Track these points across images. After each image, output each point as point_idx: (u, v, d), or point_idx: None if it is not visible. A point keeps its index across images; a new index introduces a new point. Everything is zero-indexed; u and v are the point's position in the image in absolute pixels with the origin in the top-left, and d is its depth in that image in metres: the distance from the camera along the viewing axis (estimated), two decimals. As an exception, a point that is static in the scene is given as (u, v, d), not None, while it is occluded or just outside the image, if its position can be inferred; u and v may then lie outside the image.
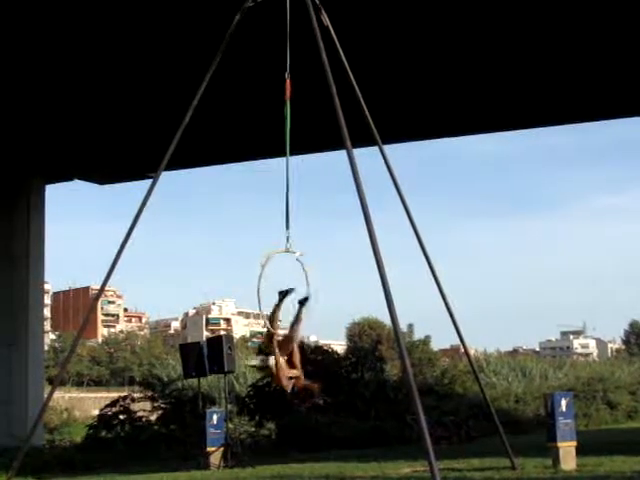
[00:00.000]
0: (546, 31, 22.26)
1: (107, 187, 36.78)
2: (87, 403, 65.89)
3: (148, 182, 11.48)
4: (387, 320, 10.74)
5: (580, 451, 15.21)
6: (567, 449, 14.76)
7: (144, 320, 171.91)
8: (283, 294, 10.03)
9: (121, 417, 29.38)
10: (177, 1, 20.53)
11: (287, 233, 10.15)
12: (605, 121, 32.59)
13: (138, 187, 32.37)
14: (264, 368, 10.59)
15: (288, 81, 10.39)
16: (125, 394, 31.93)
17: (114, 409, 29.63)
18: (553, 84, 25.88)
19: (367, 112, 11.90)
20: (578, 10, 21.18)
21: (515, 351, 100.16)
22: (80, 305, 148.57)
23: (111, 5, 20.74)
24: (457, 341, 15.20)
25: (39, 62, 23.98)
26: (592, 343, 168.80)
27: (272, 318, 10.09)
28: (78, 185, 35.47)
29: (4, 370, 30.98)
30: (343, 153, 9.02)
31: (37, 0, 20.49)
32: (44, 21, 21.51)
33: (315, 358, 32.81)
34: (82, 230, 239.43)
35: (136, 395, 31.67)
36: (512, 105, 27.65)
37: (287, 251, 10.09)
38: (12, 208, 32.51)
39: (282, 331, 10.23)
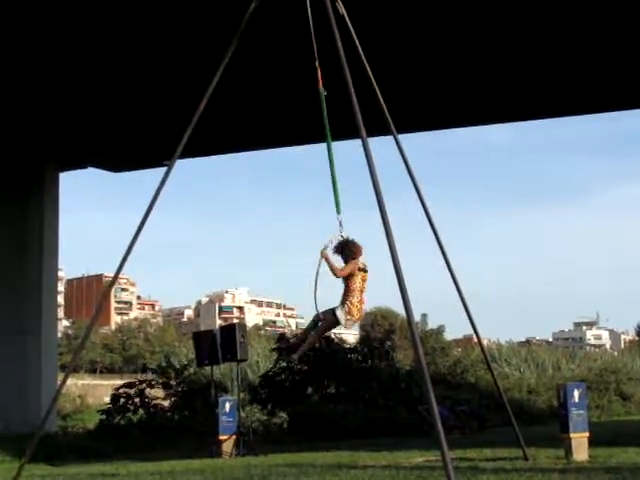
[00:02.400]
0: (562, 19, 22.18)
1: (121, 174, 36.86)
2: (100, 390, 66.02)
3: (163, 169, 11.47)
4: (400, 310, 10.78)
5: (592, 442, 15.16)
6: (579, 440, 14.72)
7: (157, 308, 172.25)
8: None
9: (135, 400, 29.37)
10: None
11: (339, 217, 10.14)
12: (629, 111, 32.47)
13: (153, 175, 32.44)
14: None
15: (319, 68, 10.39)
16: (142, 379, 31.87)
17: (129, 391, 29.58)
18: (569, 74, 25.80)
19: (382, 101, 11.86)
20: (596, 3, 21.13)
21: (528, 342, 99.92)
22: (93, 292, 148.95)
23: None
24: (470, 331, 15.18)
25: (54, 50, 24.00)
26: (605, 334, 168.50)
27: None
28: (92, 173, 35.56)
29: (18, 357, 31.10)
30: (358, 142, 8.99)
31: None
32: (59, 10, 21.52)
33: (327, 348, 32.82)
34: (96, 218, 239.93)
35: (151, 380, 31.62)
36: (527, 95, 27.56)
37: (341, 237, 10.18)
38: (26, 196, 32.58)
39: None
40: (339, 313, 10.31)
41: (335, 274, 10.22)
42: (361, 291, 10.33)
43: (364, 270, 10.36)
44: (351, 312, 10.32)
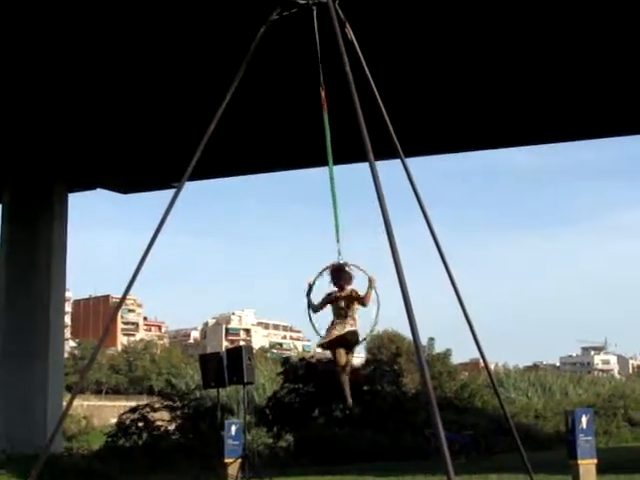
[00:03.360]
0: (575, 45, 22.25)
1: (130, 196, 36.94)
2: (105, 411, 65.98)
3: (171, 192, 11.49)
4: (407, 333, 10.70)
5: (600, 469, 15.11)
6: (587, 467, 14.67)
7: (164, 329, 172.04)
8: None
9: (139, 424, 29.41)
10: (204, 14, 20.62)
11: (338, 246, 10.01)
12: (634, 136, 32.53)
13: (161, 195, 32.51)
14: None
15: (323, 92, 10.39)
16: (145, 402, 31.92)
17: (133, 416, 29.66)
18: (581, 98, 25.86)
19: (390, 125, 11.89)
20: (609, 28, 21.19)
21: (535, 366, 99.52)
22: (100, 313, 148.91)
23: (139, 19, 20.86)
24: (477, 355, 15.12)
25: (65, 72, 24.12)
26: (613, 359, 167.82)
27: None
28: (100, 194, 35.66)
29: (24, 377, 31.08)
30: (365, 165, 9.00)
31: (69, 10, 20.62)
32: (74, 32, 21.65)
33: (332, 369, 32.77)
34: (103, 239, 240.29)
35: (155, 403, 31.66)
36: (535, 118, 27.61)
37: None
38: (35, 217, 32.66)
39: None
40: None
41: (367, 304, 10.11)
42: (336, 315, 10.22)
43: (348, 297, 10.25)
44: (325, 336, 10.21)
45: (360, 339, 10.33)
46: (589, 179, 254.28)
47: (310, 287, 10.06)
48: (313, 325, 10.20)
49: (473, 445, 29.11)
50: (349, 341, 10.20)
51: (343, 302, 10.03)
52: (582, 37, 21.94)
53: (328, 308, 10.14)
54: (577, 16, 21.06)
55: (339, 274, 9.99)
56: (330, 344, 10.15)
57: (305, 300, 10.12)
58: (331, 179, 10.32)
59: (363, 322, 10.22)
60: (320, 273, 10.05)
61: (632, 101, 26.32)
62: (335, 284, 10.04)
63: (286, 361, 35.82)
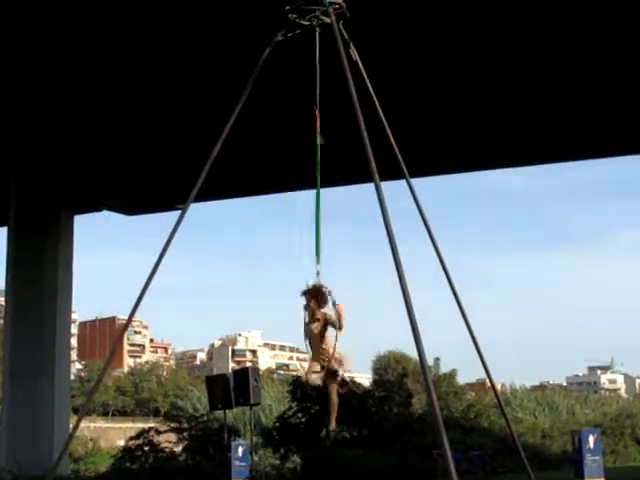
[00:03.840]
0: (576, 65, 22.32)
1: (136, 217, 37.01)
2: (112, 433, 65.93)
3: (176, 213, 11.52)
4: (413, 353, 10.66)
5: (608, 488, 15.07)
6: (594, 486, 14.63)
7: (170, 351, 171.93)
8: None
9: (145, 449, 29.40)
10: (208, 36, 20.73)
11: (317, 267, 10.01)
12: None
13: (166, 217, 32.61)
14: None
15: (317, 112, 10.42)
16: (150, 426, 31.92)
17: (138, 442, 29.65)
18: (581, 119, 25.91)
19: (395, 146, 11.92)
20: (607, 48, 21.26)
21: (542, 386, 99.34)
22: (106, 335, 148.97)
23: (144, 40, 20.97)
24: (483, 375, 15.05)
25: (71, 94, 24.23)
26: (620, 378, 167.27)
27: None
28: (106, 216, 35.74)
29: (31, 399, 31.06)
30: (370, 186, 9.02)
31: (68, 34, 20.74)
32: (81, 57, 21.78)
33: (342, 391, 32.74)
34: (109, 261, 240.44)
35: (161, 428, 31.65)
36: (538, 139, 27.66)
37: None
38: (41, 239, 32.71)
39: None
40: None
41: (341, 329, 10.01)
42: (314, 346, 10.13)
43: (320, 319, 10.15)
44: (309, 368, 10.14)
45: (340, 367, 10.16)
46: (591, 197, 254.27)
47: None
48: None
49: (480, 465, 29.00)
50: (334, 373, 10.15)
51: (316, 329, 9.87)
52: (581, 58, 22.01)
53: None
54: (574, 39, 21.15)
55: (315, 294, 9.87)
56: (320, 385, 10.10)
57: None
58: (317, 199, 10.39)
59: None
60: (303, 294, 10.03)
61: (626, 122, 26.36)
62: (307, 306, 9.92)
63: (295, 380, 35.59)
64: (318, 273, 9.89)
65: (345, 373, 10.34)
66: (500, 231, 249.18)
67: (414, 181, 12.47)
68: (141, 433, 30.32)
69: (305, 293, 9.91)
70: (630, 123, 26.36)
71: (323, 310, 9.94)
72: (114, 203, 34.93)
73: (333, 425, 10.99)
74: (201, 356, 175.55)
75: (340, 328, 9.88)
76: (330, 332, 9.92)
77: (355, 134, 9.19)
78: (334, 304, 9.87)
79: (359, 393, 34.18)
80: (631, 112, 25.57)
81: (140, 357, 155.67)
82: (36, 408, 31.10)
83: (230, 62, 21.05)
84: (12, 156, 29.77)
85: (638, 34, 21.01)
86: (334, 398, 10.53)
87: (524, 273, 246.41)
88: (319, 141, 10.33)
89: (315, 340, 9.90)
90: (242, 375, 22.29)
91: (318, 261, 9.92)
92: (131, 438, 30.41)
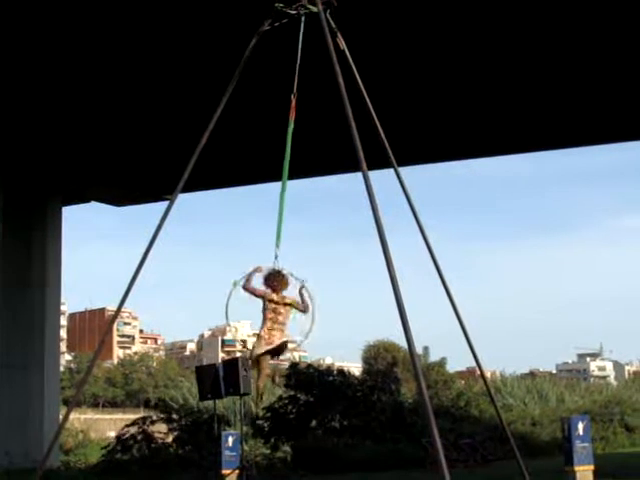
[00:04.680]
0: (564, 53, 22.31)
1: (126, 208, 36.93)
2: (102, 424, 65.75)
3: (165, 204, 11.50)
4: (402, 342, 10.69)
5: (597, 475, 15.11)
6: (584, 473, 14.67)
7: (159, 342, 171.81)
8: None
9: (138, 438, 29.34)
10: (193, 27, 20.65)
11: (276, 251, 10.23)
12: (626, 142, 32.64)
13: (156, 207, 32.55)
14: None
15: (294, 101, 10.49)
16: (144, 415, 31.84)
17: (132, 430, 29.59)
18: (571, 105, 25.92)
19: (383, 135, 11.91)
20: (599, 35, 21.24)
21: (532, 373, 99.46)
22: (96, 326, 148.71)
23: (132, 33, 20.91)
24: (473, 363, 15.09)
25: (57, 86, 24.14)
26: (609, 365, 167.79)
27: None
28: (95, 207, 35.65)
29: (21, 391, 31.01)
30: (358, 175, 9.03)
31: (61, 29, 20.65)
32: (66, 47, 21.68)
33: (332, 380, 32.76)
34: (98, 252, 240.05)
35: (154, 418, 31.58)
36: (526, 127, 27.66)
37: (274, 270, 10.28)
38: (30, 231, 32.62)
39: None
40: (255, 348, 10.40)
41: (246, 289, 10.36)
42: (274, 321, 10.36)
43: (289, 304, 10.40)
44: (260, 341, 10.39)
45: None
46: (580, 186, 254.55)
47: (234, 285, 10.36)
48: (227, 311, 10.47)
49: (471, 453, 29.07)
50: (282, 350, 10.42)
51: (283, 309, 10.28)
52: (572, 45, 21.99)
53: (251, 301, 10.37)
54: (567, 29, 21.12)
55: (277, 278, 10.28)
56: (270, 351, 10.31)
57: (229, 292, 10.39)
58: (283, 186, 10.64)
59: (295, 331, 10.59)
60: (250, 274, 10.30)
61: (612, 110, 26.37)
62: (270, 287, 10.30)
63: (293, 365, 35.37)
64: (276, 256, 10.18)
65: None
66: (487, 219, 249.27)
67: (402, 169, 12.48)
68: (136, 422, 30.23)
69: (268, 274, 10.30)
70: (608, 111, 26.36)
71: (290, 295, 10.36)
72: (102, 194, 34.84)
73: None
74: (191, 347, 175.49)
75: (305, 310, 10.40)
76: (288, 314, 10.37)
77: (343, 122, 9.18)
78: (302, 288, 10.37)
79: (349, 382, 34.23)
80: (617, 99, 25.56)
81: (130, 348, 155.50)
82: (26, 400, 31.06)
83: (217, 52, 20.99)
84: (-1, 148, 29.66)
85: (618, 20, 20.98)
86: (263, 381, 10.91)
87: (514, 260, 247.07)
88: (291, 128, 10.46)
89: (275, 318, 10.25)
90: (232, 365, 22.23)
91: (278, 245, 10.19)
92: (126, 426, 30.27)
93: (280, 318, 10.25)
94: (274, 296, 10.27)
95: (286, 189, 10.58)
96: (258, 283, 10.37)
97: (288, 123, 10.46)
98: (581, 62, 22.96)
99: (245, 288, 10.38)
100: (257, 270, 10.38)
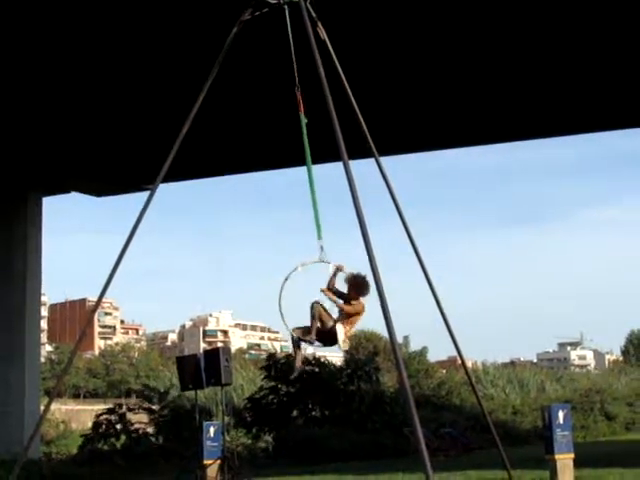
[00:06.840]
0: (546, 43, 22.33)
1: (105, 199, 36.79)
2: (84, 415, 65.63)
3: (146, 194, 11.47)
4: (383, 332, 10.70)
5: (578, 463, 15.18)
6: (565, 461, 14.73)
7: (141, 332, 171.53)
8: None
9: (117, 427, 29.30)
10: (175, 15, 20.57)
11: (320, 242, 10.04)
12: (600, 133, 32.71)
13: (136, 197, 32.44)
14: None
15: (299, 94, 10.41)
16: (118, 402, 31.79)
17: (110, 417, 29.55)
18: (551, 95, 25.95)
19: (364, 125, 11.91)
20: (584, 24, 21.28)
21: (512, 362, 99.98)
22: (77, 317, 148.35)
23: (110, 20, 20.80)
24: (454, 352, 15.15)
25: (37, 76, 24.01)
26: (589, 354, 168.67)
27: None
28: (75, 197, 35.50)
29: (1, 382, 30.89)
30: (339, 165, 9.02)
31: (41, 21, 20.54)
32: (45, 35, 21.57)
33: (312, 370, 32.78)
34: (78, 241, 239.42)
35: (132, 405, 31.57)
36: (509, 117, 27.71)
37: (321, 261, 10.01)
38: (9, 222, 32.47)
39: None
40: (339, 328, 10.18)
41: (342, 310, 10.12)
42: (347, 323, 10.24)
43: (359, 314, 10.30)
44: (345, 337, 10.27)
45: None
46: (557, 176, 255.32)
47: (286, 279, 10.03)
48: (281, 309, 10.17)
49: (452, 443, 29.20)
50: (333, 339, 10.26)
51: (354, 318, 10.16)
52: (561, 35, 22.03)
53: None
54: (557, 19, 21.16)
55: (367, 288, 10.02)
56: (332, 328, 10.14)
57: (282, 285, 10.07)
58: (310, 179, 10.38)
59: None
60: (333, 276, 10.14)
61: (597, 98, 26.44)
62: (359, 296, 10.11)
63: (271, 356, 35.33)
64: (322, 248, 9.97)
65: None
66: (467, 209, 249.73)
67: (383, 159, 12.49)
68: (112, 409, 30.19)
69: (357, 282, 10.05)
70: (609, 98, 26.42)
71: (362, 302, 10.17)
72: (82, 185, 34.67)
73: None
74: (172, 337, 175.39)
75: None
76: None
77: (324, 112, 9.17)
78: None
79: (330, 371, 34.27)
80: (609, 88, 25.62)
81: (111, 339, 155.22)
82: (6, 391, 30.93)
83: (198, 41, 20.92)
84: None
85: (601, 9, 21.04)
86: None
87: (494, 250, 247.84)
88: (304, 121, 10.32)
89: (348, 321, 10.13)
90: (213, 355, 22.17)
91: (320, 236, 9.98)
92: (102, 414, 30.16)
93: (352, 321, 10.19)
94: (350, 309, 10.11)
95: (314, 182, 10.28)
96: (339, 285, 10.18)
97: (300, 118, 10.29)
98: (554, 51, 22.98)
99: (328, 290, 10.14)
100: (339, 269, 10.16)
